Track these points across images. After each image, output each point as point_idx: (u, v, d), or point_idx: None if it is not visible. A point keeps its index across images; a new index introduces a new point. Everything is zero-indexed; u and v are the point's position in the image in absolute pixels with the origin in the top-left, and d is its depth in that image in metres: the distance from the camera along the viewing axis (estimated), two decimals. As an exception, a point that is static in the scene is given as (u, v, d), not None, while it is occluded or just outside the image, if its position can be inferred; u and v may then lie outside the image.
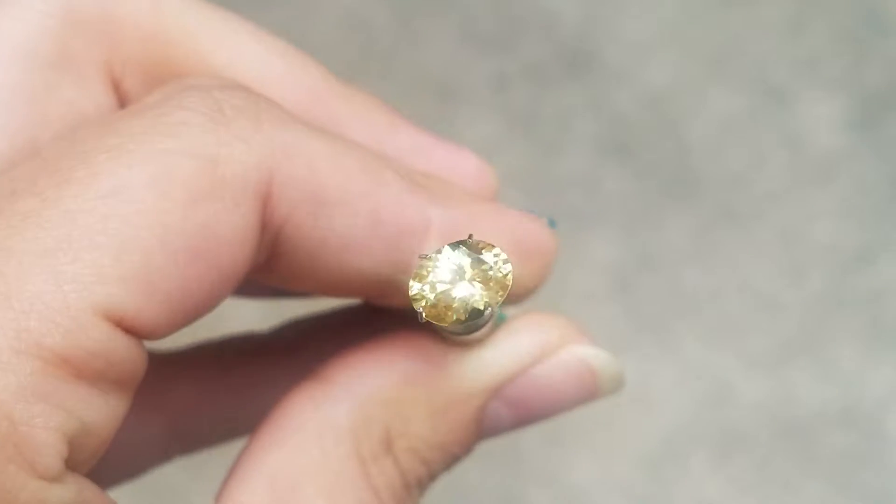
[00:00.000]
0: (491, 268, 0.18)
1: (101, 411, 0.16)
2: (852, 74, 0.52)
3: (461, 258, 0.18)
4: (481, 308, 0.18)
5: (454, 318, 0.18)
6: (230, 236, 0.17)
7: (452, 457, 0.21)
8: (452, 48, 0.52)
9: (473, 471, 0.49)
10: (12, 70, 0.20)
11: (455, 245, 0.18)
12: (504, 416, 0.21)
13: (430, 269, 0.18)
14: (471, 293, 0.18)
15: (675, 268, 0.51)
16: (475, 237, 0.18)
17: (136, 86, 0.21)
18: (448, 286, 0.18)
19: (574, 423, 0.50)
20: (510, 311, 0.22)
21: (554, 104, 0.52)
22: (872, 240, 0.51)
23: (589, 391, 0.22)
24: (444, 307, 0.18)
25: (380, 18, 0.52)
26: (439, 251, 0.18)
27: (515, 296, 0.21)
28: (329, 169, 0.19)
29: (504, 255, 0.18)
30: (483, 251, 0.18)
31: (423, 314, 0.18)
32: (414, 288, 0.18)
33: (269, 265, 0.19)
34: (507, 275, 0.18)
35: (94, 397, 0.16)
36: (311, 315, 0.25)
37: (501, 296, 0.18)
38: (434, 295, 0.18)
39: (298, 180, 0.18)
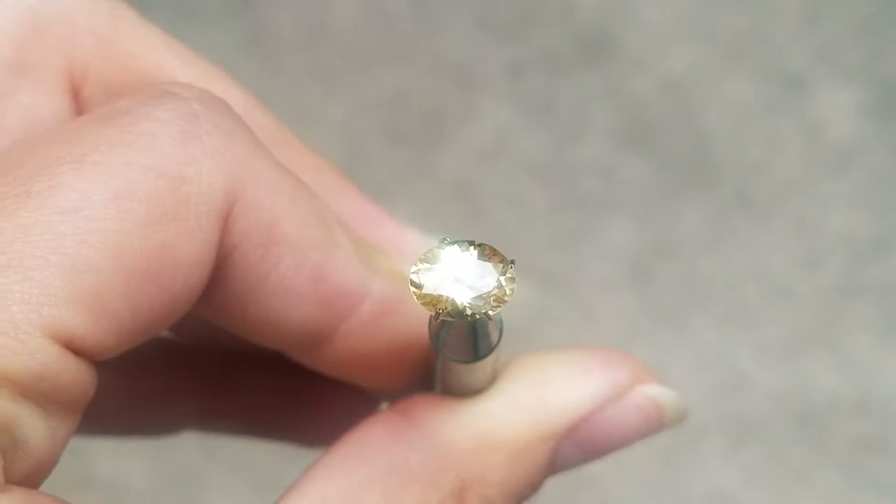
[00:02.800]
0: (497, 285, 0.17)
1: (43, 433, 0.16)
2: (870, 63, 0.51)
3: (468, 260, 0.17)
4: (468, 313, 0.17)
5: (441, 309, 0.17)
6: (187, 259, 0.17)
7: (523, 498, 0.20)
8: (469, 35, 0.52)
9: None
10: None
11: (465, 244, 0.17)
12: (573, 454, 0.21)
13: (435, 257, 0.17)
14: (465, 296, 0.17)
15: (691, 256, 0.51)
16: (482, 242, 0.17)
17: (95, 94, 0.20)
18: (447, 280, 0.17)
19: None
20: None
21: (571, 92, 0.52)
22: (889, 229, 0.51)
23: (655, 428, 0.22)
24: (438, 296, 0.17)
25: (397, 6, 0.52)
26: (448, 244, 0.17)
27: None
28: (290, 209, 0.18)
29: (510, 275, 0.17)
30: (492, 262, 0.17)
31: (417, 296, 0.17)
32: (419, 270, 0.17)
33: (206, 290, 0.18)
34: (508, 293, 0.17)
35: (36, 418, 0.16)
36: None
37: (494, 308, 0.17)
38: (432, 284, 0.17)
39: (259, 210, 0.18)
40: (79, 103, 0.20)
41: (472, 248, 0.17)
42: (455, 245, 0.17)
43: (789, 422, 0.50)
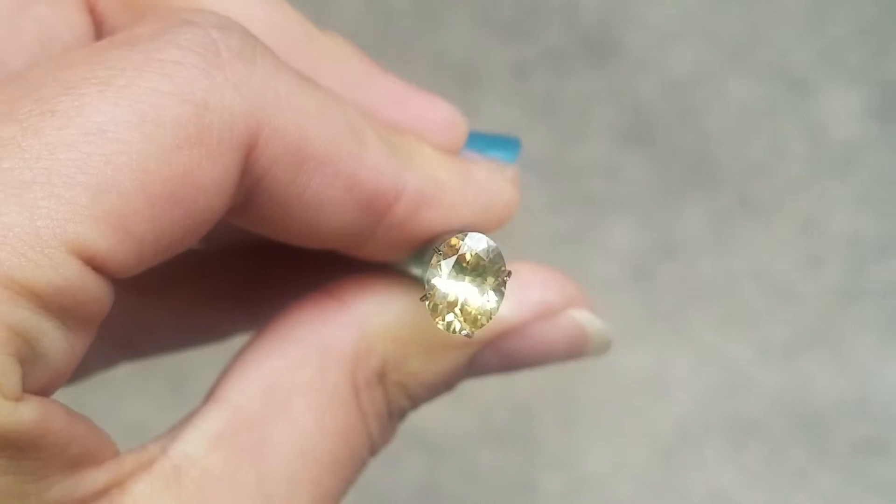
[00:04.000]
0: (479, 310, 0.18)
1: (61, 346, 0.16)
2: (874, 65, 0.51)
3: (464, 281, 0.18)
4: (458, 332, 0.18)
5: (442, 318, 0.18)
6: (209, 184, 0.17)
7: (436, 392, 0.22)
8: (472, 34, 0.52)
9: (487, 456, 0.49)
10: None
11: (479, 261, 0.18)
12: (492, 362, 0.22)
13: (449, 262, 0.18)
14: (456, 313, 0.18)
15: (692, 256, 0.51)
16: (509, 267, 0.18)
17: (111, 9, 0.20)
18: (453, 290, 0.18)
19: (588, 409, 0.50)
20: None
21: (574, 91, 0.52)
22: (891, 231, 0.51)
23: (577, 352, 0.22)
24: (445, 303, 0.18)
25: (400, 2, 0.52)
26: (464, 248, 0.18)
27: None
28: (317, 127, 0.18)
29: (501, 291, 0.18)
30: (497, 276, 0.18)
31: (428, 300, 0.18)
32: (434, 274, 0.18)
33: (241, 210, 0.19)
34: (489, 311, 0.18)
35: (56, 331, 0.16)
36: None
37: (479, 327, 0.18)
38: (443, 290, 0.18)
39: (285, 135, 0.18)
40: (95, 17, 0.20)
41: (482, 266, 0.18)
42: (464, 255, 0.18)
43: (790, 422, 0.50)
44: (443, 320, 0.18)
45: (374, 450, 0.21)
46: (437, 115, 0.22)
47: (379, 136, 0.20)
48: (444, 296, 0.18)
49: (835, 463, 0.49)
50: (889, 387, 0.50)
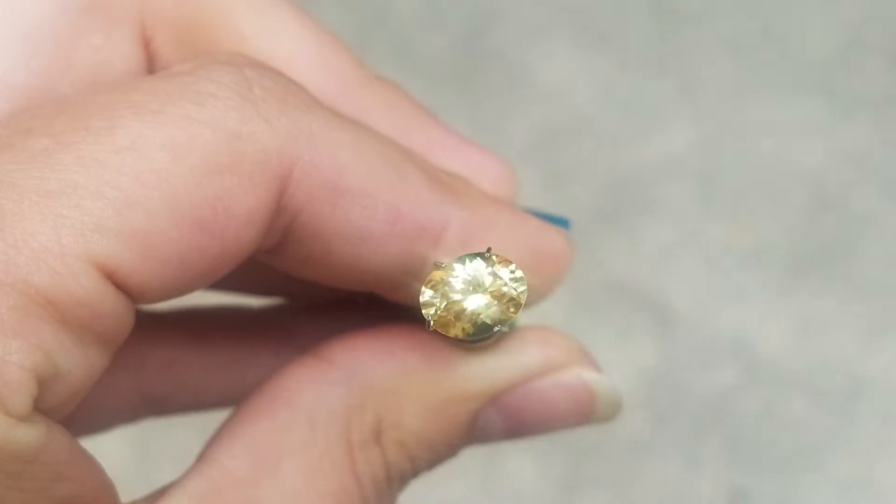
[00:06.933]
0: (506, 284, 0.18)
1: (78, 361, 0.16)
2: None
3: (477, 270, 0.18)
4: (490, 324, 0.18)
5: (461, 329, 0.18)
6: (241, 214, 0.17)
7: (438, 456, 0.21)
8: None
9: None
10: (43, 8, 0.19)
11: (472, 256, 0.18)
12: (496, 424, 0.21)
13: (443, 277, 0.18)
14: (481, 307, 0.18)
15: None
16: (493, 250, 0.18)
17: (165, 46, 0.20)
18: (460, 297, 0.18)
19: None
20: (520, 318, 0.21)
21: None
22: None
23: (584, 415, 0.21)
24: (453, 317, 0.18)
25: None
26: (455, 260, 0.18)
27: (526, 303, 0.21)
28: (352, 159, 0.18)
29: (520, 273, 0.18)
30: (500, 266, 0.18)
31: (431, 322, 0.18)
32: (425, 294, 0.18)
33: (280, 249, 0.19)
34: (521, 293, 0.18)
35: (73, 345, 0.16)
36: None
37: (513, 313, 0.18)
38: (445, 304, 0.18)
39: (320, 169, 0.18)
40: (149, 52, 0.20)
41: (477, 258, 0.18)
42: (459, 260, 0.18)
43: None
44: (455, 327, 0.18)
45: None
46: (489, 167, 0.21)
47: (422, 169, 0.19)
48: (446, 305, 0.18)
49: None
50: None
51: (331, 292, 0.21)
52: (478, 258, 0.18)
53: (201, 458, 0.19)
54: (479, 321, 0.18)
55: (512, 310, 0.18)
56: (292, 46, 0.20)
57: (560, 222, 0.22)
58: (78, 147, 0.16)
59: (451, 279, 0.18)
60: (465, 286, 0.18)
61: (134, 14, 0.20)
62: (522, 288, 0.18)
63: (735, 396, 0.51)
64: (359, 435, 0.19)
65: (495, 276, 0.18)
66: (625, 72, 0.58)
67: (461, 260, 0.18)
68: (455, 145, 0.21)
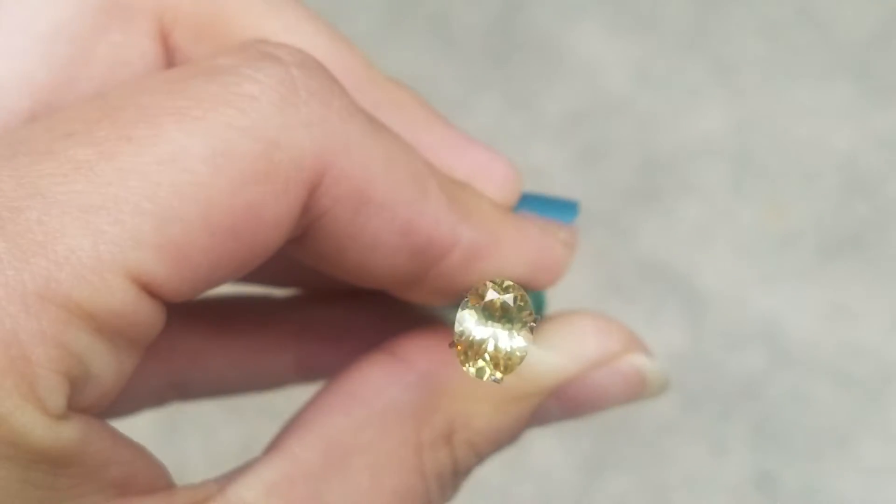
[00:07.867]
0: (507, 349, 0.18)
1: (110, 365, 0.17)
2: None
3: (493, 326, 0.18)
4: (487, 378, 0.18)
5: (472, 364, 0.18)
6: (271, 219, 0.18)
7: (501, 447, 0.22)
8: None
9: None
10: (63, 9, 0.20)
11: (507, 308, 0.18)
12: (553, 411, 0.22)
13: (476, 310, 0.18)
14: (486, 360, 0.18)
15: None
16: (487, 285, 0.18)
17: (184, 40, 0.20)
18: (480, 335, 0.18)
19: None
20: (546, 305, 0.22)
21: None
22: None
23: (636, 395, 0.23)
24: (474, 350, 0.18)
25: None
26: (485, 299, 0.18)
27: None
28: (382, 172, 0.19)
29: (525, 334, 0.18)
30: (525, 323, 0.18)
31: (456, 345, 0.18)
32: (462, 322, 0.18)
33: (300, 242, 0.19)
34: (516, 357, 0.18)
35: (107, 351, 0.17)
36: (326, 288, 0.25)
37: (507, 373, 0.18)
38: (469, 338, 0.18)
39: (350, 178, 0.18)
40: (168, 47, 0.21)
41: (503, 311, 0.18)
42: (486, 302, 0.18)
43: None
44: (472, 366, 0.18)
45: None
46: (494, 167, 0.22)
47: (441, 186, 0.20)
48: (472, 340, 0.18)
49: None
50: None
51: (347, 284, 0.22)
52: (504, 310, 0.18)
53: (274, 445, 0.20)
54: (483, 370, 0.18)
55: (507, 370, 0.18)
56: (307, 44, 0.20)
57: (569, 206, 0.22)
58: (120, 159, 0.17)
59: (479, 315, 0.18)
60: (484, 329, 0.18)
61: (152, 10, 0.20)
62: (521, 349, 0.18)
63: (764, 380, 0.51)
64: (429, 436, 0.20)
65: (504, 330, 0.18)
66: (660, 52, 0.58)
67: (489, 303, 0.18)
68: (462, 145, 0.22)
